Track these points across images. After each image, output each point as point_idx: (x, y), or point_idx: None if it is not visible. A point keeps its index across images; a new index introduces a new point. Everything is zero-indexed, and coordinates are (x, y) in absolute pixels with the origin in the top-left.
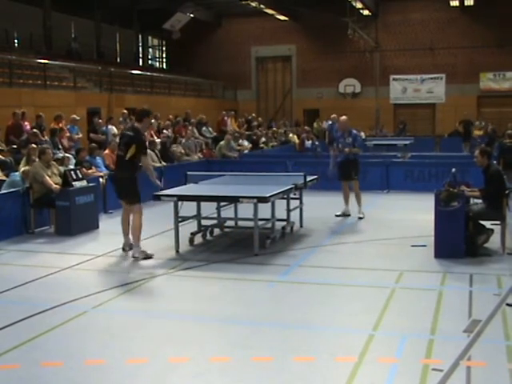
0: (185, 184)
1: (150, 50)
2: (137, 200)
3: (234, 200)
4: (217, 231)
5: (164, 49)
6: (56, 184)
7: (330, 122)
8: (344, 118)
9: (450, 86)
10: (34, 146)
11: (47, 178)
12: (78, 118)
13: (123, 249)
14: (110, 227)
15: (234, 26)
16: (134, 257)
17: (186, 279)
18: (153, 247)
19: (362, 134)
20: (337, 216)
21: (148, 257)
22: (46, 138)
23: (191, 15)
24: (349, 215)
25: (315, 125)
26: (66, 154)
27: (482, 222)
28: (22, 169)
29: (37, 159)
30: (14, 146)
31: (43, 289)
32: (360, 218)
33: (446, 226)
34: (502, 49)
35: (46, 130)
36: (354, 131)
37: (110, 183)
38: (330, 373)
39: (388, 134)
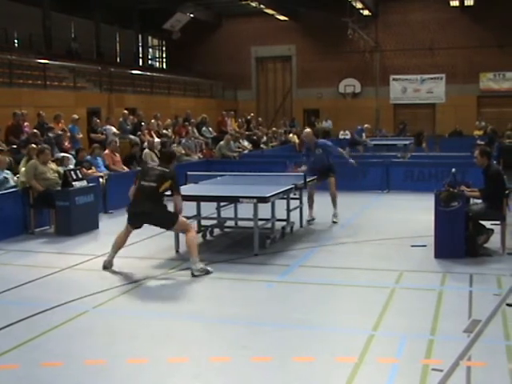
0: (185, 184)
1: (150, 50)
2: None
3: (233, 200)
4: (217, 231)
5: (164, 49)
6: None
7: (360, 127)
8: (308, 130)
9: (449, 86)
10: (33, 146)
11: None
12: (77, 117)
13: (105, 266)
14: (110, 227)
15: (233, 26)
16: (194, 275)
17: (185, 279)
18: (153, 247)
19: (364, 128)
20: (308, 221)
21: (208, 272)
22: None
23: (191, 15)
24: (314, 219)
25: (317, 125)
26: (66, 154)
27: (482, 222)
28: (22, 169)
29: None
30: (14, 146)
31: (43, 289)
32: (334, 222)
33: (446, 226)
34: (501, 49)
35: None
36: (321, 141)
37: (110, 183)
38: (329, 373)
39: (388, 134)
